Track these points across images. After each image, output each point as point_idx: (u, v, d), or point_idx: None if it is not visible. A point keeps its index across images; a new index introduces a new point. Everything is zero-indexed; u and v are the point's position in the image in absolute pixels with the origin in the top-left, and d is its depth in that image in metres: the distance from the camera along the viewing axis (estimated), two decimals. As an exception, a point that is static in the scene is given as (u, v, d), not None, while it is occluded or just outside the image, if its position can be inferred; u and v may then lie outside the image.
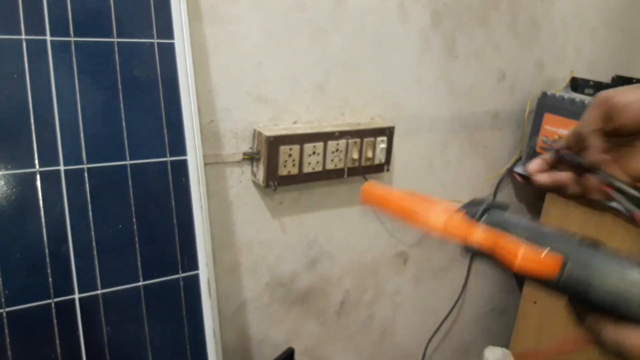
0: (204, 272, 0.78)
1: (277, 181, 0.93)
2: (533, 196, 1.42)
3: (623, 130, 0.43)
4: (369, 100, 1.07)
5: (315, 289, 1.14)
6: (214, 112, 0.89)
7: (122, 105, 0.72)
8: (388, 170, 1.08)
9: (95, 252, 0.70)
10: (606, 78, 1.40)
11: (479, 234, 0.38)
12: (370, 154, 1.02)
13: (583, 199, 0.47)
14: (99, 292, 0.71)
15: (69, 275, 0.68)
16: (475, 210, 0.40)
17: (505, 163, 1.32)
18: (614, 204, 0.95)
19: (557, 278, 0.36)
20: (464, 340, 1.52)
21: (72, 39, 0.68)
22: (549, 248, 0.36)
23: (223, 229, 0.97)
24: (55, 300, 0.67)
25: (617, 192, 0.44)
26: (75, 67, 0.69)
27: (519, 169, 1.24)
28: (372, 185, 0.44)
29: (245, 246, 1.00)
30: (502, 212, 0.41)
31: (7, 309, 0.64)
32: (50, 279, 0.67)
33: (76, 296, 0.69)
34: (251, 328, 1.07)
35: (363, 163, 1.02)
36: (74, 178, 0.69)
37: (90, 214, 0.70)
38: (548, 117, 1.23)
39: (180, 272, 0.77)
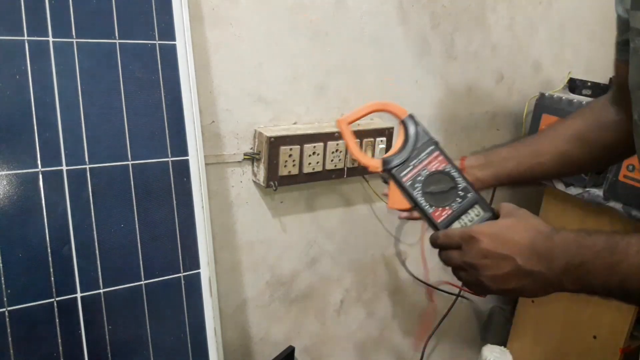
0: (205, 271, 0.79)
1: (277, 181, 0.93)
2: (531, 197, 1.42)
3: None
4: (368, 101, 1.07)
5: (315, 287, 1.15)
6: (215, 112, 0.90)
7: (124, 106, 0.72)
8: (387, 170, 1.08)
9: (97, 251, 0.70)
10: (604, 79, 1.40)
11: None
12: (369, 155, 1.03)
13: None
14: (100, 291, 0.71)
15: (71, 274, 0.69)
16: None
17: (503, 163, 1.33)
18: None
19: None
20: (462, 338, 1.53)
21: (75, 40, 0.69)
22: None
23: (224, 228, 0.97)
24: (58, 299, 0.68)
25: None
26: (77, 68, 0.69)
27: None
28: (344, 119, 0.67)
29: (246, 245, 1.01)
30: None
31: (10, 308, 0.65)
32: (52, 278, 0.67)
33: (78, 295, 0.69)
34: (252, 327, 1.08)
35: (362, 163, 1.03)
36: (76, 178, 0.69)
37: (93, 213, 0.70)
38: (546, 117, 1.24)
39: (182, 271, 0.77)
